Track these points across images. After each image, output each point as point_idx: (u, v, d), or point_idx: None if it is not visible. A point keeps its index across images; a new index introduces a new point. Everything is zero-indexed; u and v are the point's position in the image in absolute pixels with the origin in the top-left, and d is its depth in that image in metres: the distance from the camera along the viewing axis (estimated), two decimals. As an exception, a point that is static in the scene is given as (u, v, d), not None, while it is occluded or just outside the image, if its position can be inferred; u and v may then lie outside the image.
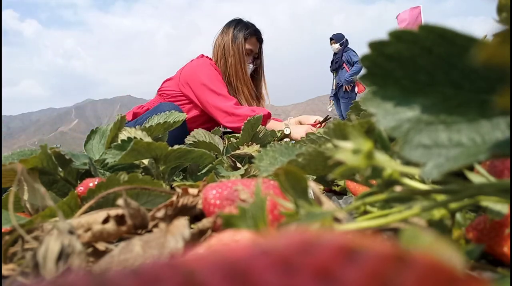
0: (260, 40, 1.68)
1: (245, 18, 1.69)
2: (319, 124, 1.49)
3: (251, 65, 1.64)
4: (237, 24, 1.64)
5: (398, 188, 0.23)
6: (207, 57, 1.66)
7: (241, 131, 0.92)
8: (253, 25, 1.67)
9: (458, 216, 0.29)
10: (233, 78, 1.59)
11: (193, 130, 0.79)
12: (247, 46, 1.61)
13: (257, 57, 1.69)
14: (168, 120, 0.68)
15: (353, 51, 4.73)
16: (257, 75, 1.73)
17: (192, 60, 1.65)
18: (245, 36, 1.61)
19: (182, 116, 0.70)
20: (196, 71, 1.53)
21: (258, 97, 1.70)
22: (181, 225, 0.29)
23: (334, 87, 4.93)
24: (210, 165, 0.67)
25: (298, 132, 1.39)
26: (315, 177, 0.48)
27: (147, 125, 0.65)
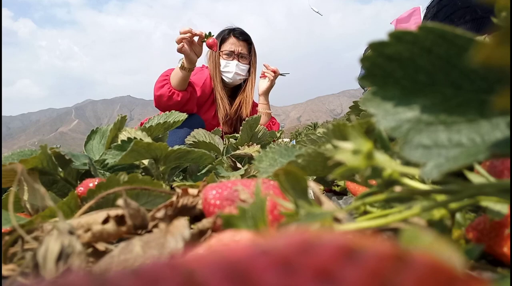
0: (240, 38, 1.67)
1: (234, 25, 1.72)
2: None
3: (231, 62, 1.64)
4: (221, 32, 1.67)
5: (398, 188, 0.23)
6: (207, 67, 1.70)
7: (240, 132, 0.92)
8: (233, 28, 1.68)
9: (458, 216, 0.29)
10: (213, 84, 1.63)
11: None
12: (225, 47, 1.63)
13: (244, 57, 1.68)
14: (168, 120, 0.68)
15: None
16: (248, 77, 1.73)
17: None
18: (220, 38, 1.63)
19: (182, 116, 0.70)
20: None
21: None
22: (181, 225, 0.29)
23: None
24: (210, 165, 0.67)
25: None
26: (314, 178, 0.48)
27: (147, 126, 0.66)
